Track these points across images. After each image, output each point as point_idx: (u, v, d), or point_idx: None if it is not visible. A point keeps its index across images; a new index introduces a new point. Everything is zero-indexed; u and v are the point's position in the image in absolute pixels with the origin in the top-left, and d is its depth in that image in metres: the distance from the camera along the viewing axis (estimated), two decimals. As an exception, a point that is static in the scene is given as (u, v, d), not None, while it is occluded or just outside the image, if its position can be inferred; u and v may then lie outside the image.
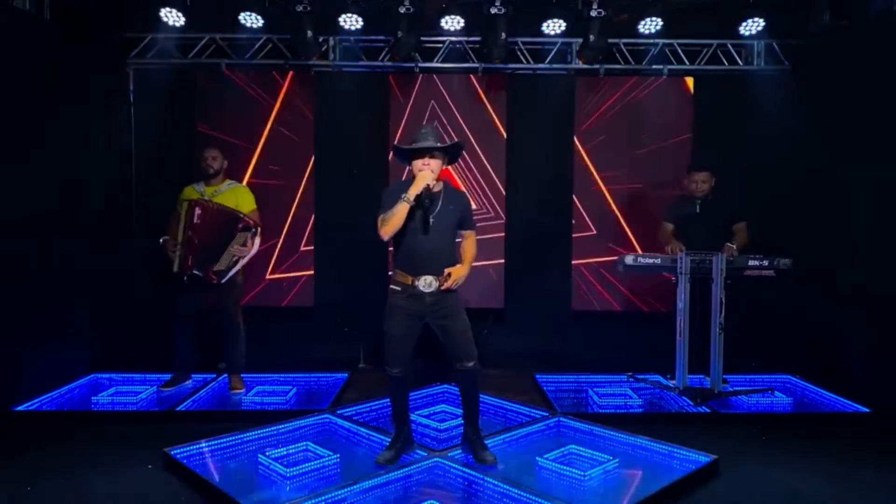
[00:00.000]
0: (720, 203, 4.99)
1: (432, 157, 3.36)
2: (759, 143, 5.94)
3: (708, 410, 4.50)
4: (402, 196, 3.29)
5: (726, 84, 6.09)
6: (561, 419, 4.23)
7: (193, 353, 4.93)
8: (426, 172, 3.32)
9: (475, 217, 3.87)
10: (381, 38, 5.95)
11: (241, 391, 4.82)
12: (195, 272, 4.62)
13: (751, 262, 4.59)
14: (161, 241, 4.81)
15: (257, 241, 4.76)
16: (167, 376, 4.98)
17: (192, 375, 5.05)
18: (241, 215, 4.69)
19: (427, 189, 3.30)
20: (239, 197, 4.81)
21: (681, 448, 3.67)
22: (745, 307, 5.04)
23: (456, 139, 4.60)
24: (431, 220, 3.36)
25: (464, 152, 5.90)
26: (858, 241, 4.86)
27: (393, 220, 3.31)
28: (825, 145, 5.30)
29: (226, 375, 4.96)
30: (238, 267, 4.74)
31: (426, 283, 3.34)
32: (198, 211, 4.58)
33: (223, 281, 4.69)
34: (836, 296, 5.05)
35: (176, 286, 4.76)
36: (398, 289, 3.43)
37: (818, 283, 5.17)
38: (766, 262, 4.60)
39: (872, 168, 4.72)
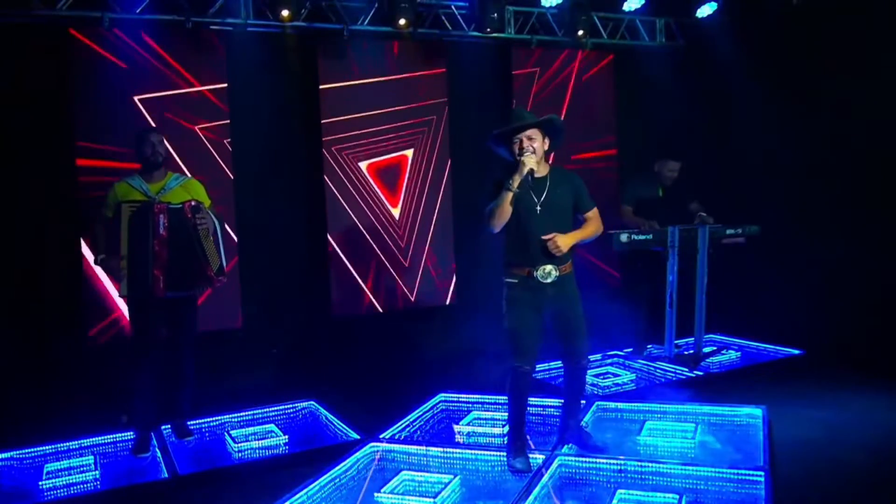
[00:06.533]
0: (682, 186, 5.12)
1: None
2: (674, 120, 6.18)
3: (703, 374, 4.72)
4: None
5: (639, 58, 6.29)
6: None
7: (157, 399, 3.77)
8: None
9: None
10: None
11: (192, 438, 3.89)
12: (177, 294, 3.59)
13: (728, 232, 4.86)
14: (98, 259, 3.62)
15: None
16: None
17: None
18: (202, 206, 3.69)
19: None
20: (192, 193, 3.75)
21: (726, 405, 3.89)
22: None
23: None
24: (539, 208, 3.19)
25: (397, 123, 5.49)
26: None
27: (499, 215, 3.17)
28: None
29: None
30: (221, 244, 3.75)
31: (545, 273, 3.17)
32: (163, 219, 3.46)
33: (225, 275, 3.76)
34: (766, 258, 5.45)
35: (131, 316, 3.60)
36: (515, 281, 3.24)
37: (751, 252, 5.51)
38: (739, 231, 4.89)
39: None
